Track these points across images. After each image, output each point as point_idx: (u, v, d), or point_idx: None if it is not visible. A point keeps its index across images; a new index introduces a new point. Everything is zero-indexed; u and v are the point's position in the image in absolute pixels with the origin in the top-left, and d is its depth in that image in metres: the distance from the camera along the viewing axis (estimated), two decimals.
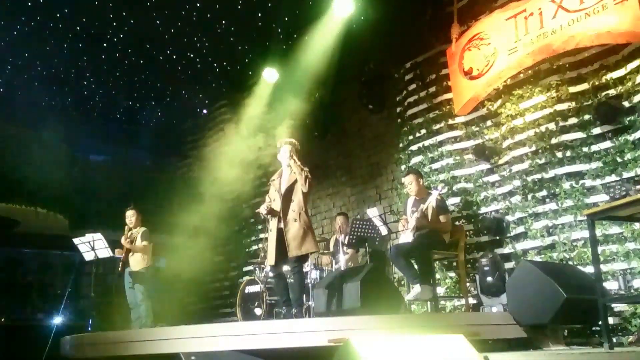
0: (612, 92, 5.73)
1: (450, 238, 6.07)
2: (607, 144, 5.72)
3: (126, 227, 7.26)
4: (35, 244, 11.14)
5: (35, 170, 8.72)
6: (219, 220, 10.99)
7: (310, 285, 6.72)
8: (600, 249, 5.21)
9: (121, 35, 9.19)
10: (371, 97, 8.75)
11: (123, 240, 7.06)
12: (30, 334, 8.18)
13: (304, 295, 5.77)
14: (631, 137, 5.48)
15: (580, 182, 5.82)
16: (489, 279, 5.89)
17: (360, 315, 4.82)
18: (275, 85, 9.97)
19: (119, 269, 7.10)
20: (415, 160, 7.57)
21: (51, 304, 9.72)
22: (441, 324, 4.39)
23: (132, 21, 8.86)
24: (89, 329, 7.78)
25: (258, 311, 7.40)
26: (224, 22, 9.01)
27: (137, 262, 7.05)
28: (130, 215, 7.32)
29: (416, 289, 5.61)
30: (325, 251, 7.63)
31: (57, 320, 7.88)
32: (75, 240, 6.96)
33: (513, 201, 6.42)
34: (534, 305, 4.31)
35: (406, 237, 5.96)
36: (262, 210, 5.37)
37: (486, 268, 5.91)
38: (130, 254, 7.06)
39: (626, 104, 5.57)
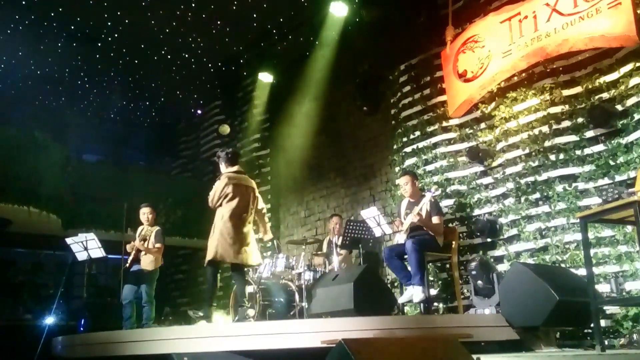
0: (605, 95, 5.76)
1: (444, 240, 6.08)
2: (600, 147, 5.75)
3: (141, 226, 7.02)
4: (27, 244, 11.05)
5: (28, 169, 8.65)
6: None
7: (304, 286, 6.72)
8: (592, 251, 5.22)
9: (116, 35, 9.19)
10: (366, 98, 8.75)
11: (137, 243, 6.81)
12: (22, 334, 8.12)
13: (245, 298, 5.96)
14: (624, 141, 5.51)
15: (573, 185, 5.85)
16: (479, 282, 5.90)
17: (354, 316, 4.82)
18: (270, 87, 9.97)
19: (127, 265, 6.91)
20: (409, 162, 7.58)
21: (43, 304, 9.62)
22: (434, 326, 4.39)
23: (126, 21, 8.86)
24: (81, 329, 7.73)
25: (251, 312, 7.38)
26: (219, 22, 9.01)
27: (149, 261, 6.82)
28: (148, 212, 7.06)
29: (409, 290, 5.63)
30: (319, 252, 7.63)
31: (49, 320, 7.80)
32: (68, 240, 6.86)
33: (506, 203, 6.44)
34: (527, 307, 4.31)
35: (400, 238, 5.98)
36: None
37: (474, 272, 5.92)
38: (143, 252, 6.87)
39: (619, 107, 5.60)
